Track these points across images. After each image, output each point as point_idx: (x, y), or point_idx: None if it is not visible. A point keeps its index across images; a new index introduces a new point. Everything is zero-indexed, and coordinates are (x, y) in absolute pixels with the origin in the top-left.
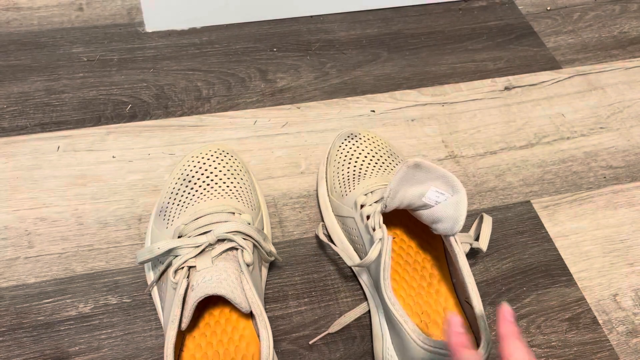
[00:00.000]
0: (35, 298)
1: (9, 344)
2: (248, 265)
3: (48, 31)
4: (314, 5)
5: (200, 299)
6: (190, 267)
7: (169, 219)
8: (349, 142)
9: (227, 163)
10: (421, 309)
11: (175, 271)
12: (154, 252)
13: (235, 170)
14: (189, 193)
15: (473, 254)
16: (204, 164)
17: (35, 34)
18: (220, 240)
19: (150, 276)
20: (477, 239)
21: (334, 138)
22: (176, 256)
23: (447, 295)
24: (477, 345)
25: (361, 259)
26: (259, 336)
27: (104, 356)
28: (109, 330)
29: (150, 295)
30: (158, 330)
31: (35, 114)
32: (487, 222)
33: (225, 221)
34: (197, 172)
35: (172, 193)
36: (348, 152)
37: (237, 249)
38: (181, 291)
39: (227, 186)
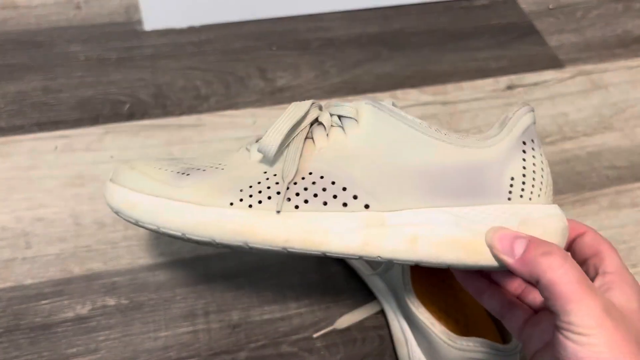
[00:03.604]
0: (33, 299)
1: (5, 345)
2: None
3: (45, 30)
4: (314, 3)
5: None
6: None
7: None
8: None
9: None
10: (439, 306)
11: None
12: (304, 107)
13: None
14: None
15: None
16: None
17: (33, 33)
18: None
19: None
20: None
21: None
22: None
23: (461, 288)
24: (502, 337)
25: (371, 265)
26: None
27: (102, 358)
28: (107, 332)
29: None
30: (156, 331)
31: (32, 113)
32: None
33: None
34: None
35: (169, 162)
36: None
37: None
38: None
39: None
